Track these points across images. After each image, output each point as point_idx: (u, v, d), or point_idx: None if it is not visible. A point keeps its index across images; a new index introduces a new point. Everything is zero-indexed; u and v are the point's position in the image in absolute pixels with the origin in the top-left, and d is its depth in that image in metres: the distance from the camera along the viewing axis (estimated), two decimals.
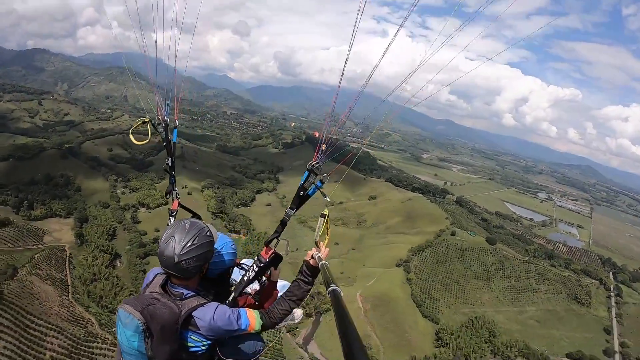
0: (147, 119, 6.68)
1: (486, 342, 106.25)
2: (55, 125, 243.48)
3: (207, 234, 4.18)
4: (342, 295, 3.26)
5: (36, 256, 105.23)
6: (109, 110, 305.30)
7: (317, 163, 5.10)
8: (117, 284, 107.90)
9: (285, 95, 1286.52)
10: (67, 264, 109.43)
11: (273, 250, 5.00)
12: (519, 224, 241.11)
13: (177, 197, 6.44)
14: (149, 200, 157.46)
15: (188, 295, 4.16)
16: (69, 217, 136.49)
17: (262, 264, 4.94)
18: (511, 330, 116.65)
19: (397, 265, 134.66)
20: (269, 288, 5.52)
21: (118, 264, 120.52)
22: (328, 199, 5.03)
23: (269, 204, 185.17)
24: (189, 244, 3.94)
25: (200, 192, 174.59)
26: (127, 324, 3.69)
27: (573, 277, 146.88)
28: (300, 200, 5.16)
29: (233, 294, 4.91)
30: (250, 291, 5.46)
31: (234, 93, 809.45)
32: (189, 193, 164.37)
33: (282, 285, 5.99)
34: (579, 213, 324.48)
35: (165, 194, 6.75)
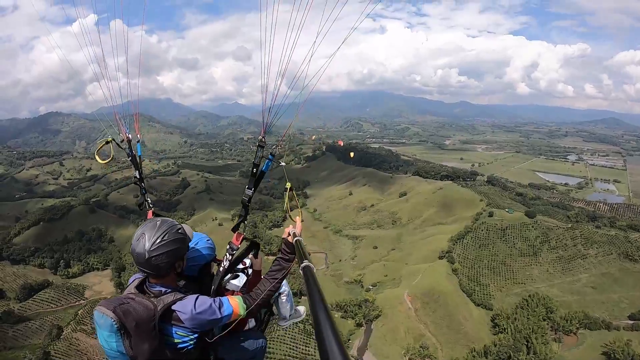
0: (109, 139, 6.95)
1: (544, 320, 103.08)
2: (80, 182, 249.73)
3: (179, 230, 4.23)
4: (314, 271, 3.34)
5: (79, 312, 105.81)
6: (129, 159, 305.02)
7: (263, 137, 5.21)
8: None
9: (294, 110, 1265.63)
10: None
11: (243, 235, 4.95)
12: (554, 191, 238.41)
13: (149, 206, 6.76)
14: None
15: (165, 292, 4.12)
16: (106, 269, 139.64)
17: (234, 252, 4.86)
18: (568, 301, 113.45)
19: (440, 258, 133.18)
20: (253, 280, 5.36)
21: None
22: (283, 164, 5.51)
23: (302, 220, 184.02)
24: (158, 240, 3.99)
25: (232, 220, 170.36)
26: (102, 324, 3.69)
27: (620, 234, 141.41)
28: (256, 178, 5.12)
29: (212, 286, 4.79)
30: (236, 286, 5.27)
31: (248, 118, 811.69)
32: (220, 224, 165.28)
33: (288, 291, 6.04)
34: (612, 168, 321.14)
35: (137, 205, 6.99)
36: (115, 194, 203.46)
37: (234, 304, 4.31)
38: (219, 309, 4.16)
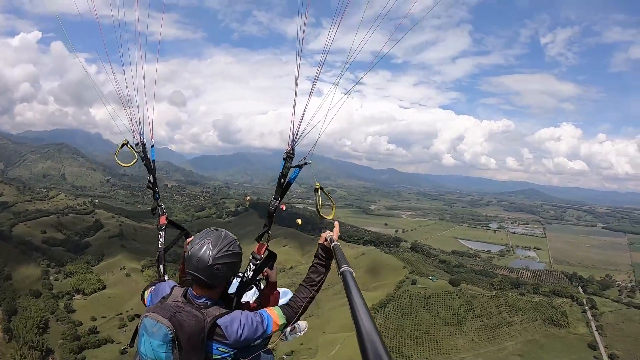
0: (125, 141, 6.66)
1: None
2: None
3: (239, 245, 4.12)
4: (353, 275, 3.21)
5: None
6: (44, 190, 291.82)
7: (292, 149, 5.03)
8: None
9: (227, 163, 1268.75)
10: None
11: (266, 245, 4.77)
12: (477, 258, 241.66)
13: (163, 212, 6.29)
14: (84, 286, 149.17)
15: (210, 304, 3.93)
16: None
17: (257, 261, 4.68)
18: None
19: None
20: (269, 290, 5.07)
21: None
22: (310, 162, 5.05)
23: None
24: (224, 249, 3.86)
25: (140, 272, 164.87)
26: (155, 332, 3.52)
27: (544, 300, 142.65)
28: (282, 189, 5.05)
29: (235, 297, 4.47)
30: (249, 298, 5.15)
31: (175, 165, 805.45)
32: (127, 275, 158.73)
33: (283, 292, 5.66)
34: (532, 235, 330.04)
35: (151, 210, 6.46)
36: (22, 227, 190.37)
37: (274, 316, 4.14)
38: (262, 323, 4.00)
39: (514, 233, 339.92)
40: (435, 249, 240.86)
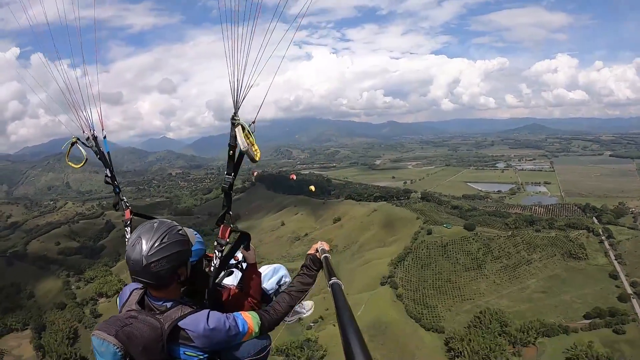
0: (74, 139, 6.38)
1: (500, 335, 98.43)
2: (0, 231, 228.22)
3: (180, 232, 3.69)
4: (342, 287, 3.29)
5: None
6: (51, 202, 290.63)
7: (235, 114, 4.27)
8: None
9: (227, 141, 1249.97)
10: None
11: (230, 227, 4.34)
12: (488, 199, 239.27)
13: (127, 206, 6.14)
14: (106, 288, 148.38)
15: (171, 307, 3.63)
16: (26, 329, 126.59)
17: (222, 247, 4.31)
18: (521, 311, 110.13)
19: (382, 284, 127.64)
20: (249, 273, 4.91)
21: None
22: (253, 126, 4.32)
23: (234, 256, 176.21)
24: (157, 244, 3.48)
25: None
26: (104, 352, 3.29)
27: (560, 235, 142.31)
28: (235, 162, 4.34)
29: (206, 290, 4.23)
30: (230, 284, 5.11)
31: (176, 152, 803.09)
32: None
33: (273, 270, 6.06)
34: (541, 170, 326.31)
35: (113, 206, 6.43)
36: (36, 243, 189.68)
37: (249, 321, 3.92)
38: (233, 326, 3.74)
39: (522, 170, 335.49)
40: (446, 196, 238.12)
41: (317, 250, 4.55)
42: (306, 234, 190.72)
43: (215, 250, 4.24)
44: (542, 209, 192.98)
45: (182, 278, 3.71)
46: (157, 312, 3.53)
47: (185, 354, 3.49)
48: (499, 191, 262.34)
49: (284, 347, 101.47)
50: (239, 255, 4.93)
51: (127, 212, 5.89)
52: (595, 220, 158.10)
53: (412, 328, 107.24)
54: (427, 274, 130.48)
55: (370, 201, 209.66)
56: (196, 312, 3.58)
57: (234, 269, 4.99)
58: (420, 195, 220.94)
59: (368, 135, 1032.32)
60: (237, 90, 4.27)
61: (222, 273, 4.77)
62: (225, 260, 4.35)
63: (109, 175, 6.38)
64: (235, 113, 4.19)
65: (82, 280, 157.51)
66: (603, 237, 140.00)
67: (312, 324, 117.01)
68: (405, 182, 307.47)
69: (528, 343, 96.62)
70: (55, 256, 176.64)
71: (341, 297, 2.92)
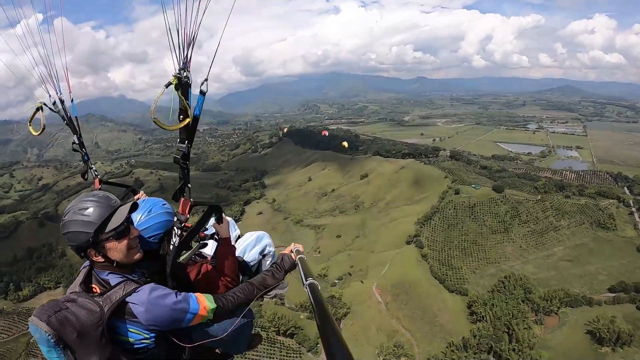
0: (40, 104, 5.78)
1: (523, 302, 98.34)
2: (32, 193, 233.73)
3: (95, 200, 3.53)
4: (319, 288, 3.36)
5: (31, 340, 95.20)
6: (81, 163, 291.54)
7: (183, 70, 3.49)
8: None
9: (254, 96, 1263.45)
10: None
11: (190, 201, 3.96)
12: (518, 161, 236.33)
13: (95, 175, 6.27)
14: None
15: (116, 283, 3.52)
16: (58, 287, 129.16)
17: (182, 223, 3.99)
18: (545, 278, 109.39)
19: (408, 243, 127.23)
20: (221, 248, 4.68)
21: None
22: (205, 84, 3.67)
23: (260, 212, 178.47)
24: (69, 213, 3.43)
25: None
26: (38, 339, 3.12)
27: (590, 202, 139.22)
28: (190, 126, 3.75)
29: (168, 268, 3.96)
30: (207, 254, 5.11)
31: (204, 109, 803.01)
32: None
33: (256, 238, 5.80)
34: (573, 134, 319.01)
35: (81, 175, 6.34)
36: (66, 203, 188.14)
37: (202, 302, 3.67)
38: (180, 305, 3.52)
39: (553, 133, 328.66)
40: (475, 155, 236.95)
41: (291, 251, 4.50)
42: (333, 190, 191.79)
43: (175, 228, 4.01)
44: (572, 175, 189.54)
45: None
46: (102, 290, 3.45)
47: (130, 331, 3.41)
48: (529, 153, 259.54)
49: (308, 304, 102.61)
50: (208, 232, 4.79)
51: (97, 182, 6.06)
52: (627, 191, 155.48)
53: (435, 289, 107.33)
54: (453, 234, 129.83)
55: (398, 158, 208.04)
56: (143, 286, 3.47)
57: (208, 241, 4.82)
58: (449, 154, 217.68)
59: (397, 90, 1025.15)
60: (185, 37, 3.46)
61: (186, 252, 4.49)
62: (188, 236, 4.09)
63: (77, 142, 6.25)
64: (183, 69, 3.49)
65: None
66: (634, 209, 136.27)
67: (336, 281, 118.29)
68: (434, 140, 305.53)
69: (550, 312, 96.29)
70: None
71: (318, 297, 3.03)
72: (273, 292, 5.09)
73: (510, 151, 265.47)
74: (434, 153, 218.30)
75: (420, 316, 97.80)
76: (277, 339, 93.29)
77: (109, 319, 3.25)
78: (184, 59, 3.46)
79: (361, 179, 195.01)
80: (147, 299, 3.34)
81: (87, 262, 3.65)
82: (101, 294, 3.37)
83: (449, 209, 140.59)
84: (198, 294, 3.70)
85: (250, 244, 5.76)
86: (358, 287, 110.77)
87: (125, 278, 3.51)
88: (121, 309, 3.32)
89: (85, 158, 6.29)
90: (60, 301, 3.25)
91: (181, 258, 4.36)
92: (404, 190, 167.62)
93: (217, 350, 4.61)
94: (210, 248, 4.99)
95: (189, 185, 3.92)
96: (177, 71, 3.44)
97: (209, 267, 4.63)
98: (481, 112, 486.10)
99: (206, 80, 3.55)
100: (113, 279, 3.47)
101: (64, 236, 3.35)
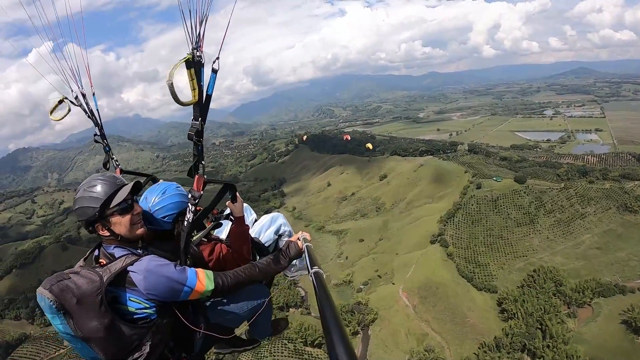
0: (62, 97, 6.24)
1: (555, 295, 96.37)
2: (54, 218, 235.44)
3: (103, 179, 3.82)
4: (324, 277, 3.40)
5: None
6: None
7: (197, 49, 3.45)
8: None
9: (267, 105, 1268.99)
10: None
11: (204, 178, 3.90)
12: (538, 149, 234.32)
13: (116, 165, 6.42)
14: None
15: (120, 255, 3.69)
16: None
17: (196, 200, 3.93)
18: (575, 268, 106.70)
19: (432, 242, 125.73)
20: (236, 228, 4.78)
21: None
22: (217, 63, 3.52)
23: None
24: (81, 189, 3.79)
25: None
26: (43, 307, 3.36)
27: (615, 186, 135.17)
28: (202, 104, 3.64)
29: (182, 245, 3.95)
30: (220, 236, 5.13)
31: (218, 122, 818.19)
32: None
33: (271, 219, 5.86)
34: (591, 117, 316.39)
35: (103, 165, 6.38)
36: None
37: (201, 278, 3.73)
38: (178, 276, 3.62)
39: (571, 117, 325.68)
40: (494, 146, 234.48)
41: (298, 239, 4.43)
42: (353, 194, 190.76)
43: (189, 204, 3.88)
44: (594, 159, 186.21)
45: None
46: (107, 262, 3.59)
47: (130, 299, 3.48)
48: (549, 140, 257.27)
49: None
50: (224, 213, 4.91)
51: (117, 171, 6.05)
52: None
53: (463, 288, 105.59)
54: (477, 230, 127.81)
55: (416, 156, 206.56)
56: (141, 257, 3.59)
57: (223, 221, 4.92)
58: (467, 148, 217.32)
59: (409, 88, 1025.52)
60: (198, 14, 3.42)
61: (204, 231, 4.62)
62: (203, 213, 4.19)
63: (98, 133, 6.48)
64: (196, 48, 3.40)
65: None
66: None
67: (362, 287, 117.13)
68: (450, 134, 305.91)
69: (583, 304, 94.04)
70: None
71: (323, 286, 3.07)
72: (297, 273, 5.65)
73: (529, 140, 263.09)
74: (452, 148, 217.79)
75: (449, 318, 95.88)
76: (305, 350, 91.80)
77: (111, 288, 3.40)
78: (196, 37, 3.48)
79: (380, 180, 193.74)
80: (145, 268, 3.46)
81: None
82: (103, 266, 3.54)
83: (472, 205, 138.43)
84: (199, 270, 3.74)
85: (265, 225, 5.80)
86: (384, 291, 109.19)
87: (129, 252, 3.65)
88: (122, 278, 3.45)
89: (107, 149, 6.45)
90: (64, 272, 3.46)
91: (195, 237, 4.50)
92: (425, 189, 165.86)
93: (244, 336, 4.73)
94: (224, 231, 5.11)
95: (203, 162, 3.91)
96: (190, 50, 3.45)
97: (224, 246, 4.74)
98: (496, 103, 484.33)
99: (217, 58, 3.53)
100: (118, 252, 3.65)
101: (75, 212, 3.71)
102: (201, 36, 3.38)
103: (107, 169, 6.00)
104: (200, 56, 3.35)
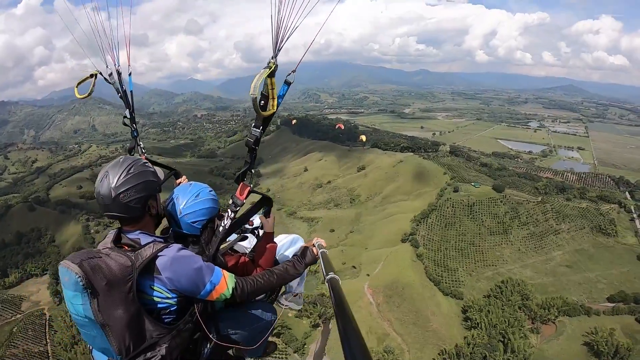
0: (96, 72, 6.03)
1: (520, 309, 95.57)
2: (25, 176, 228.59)
3: (145, 164, 3.76)
4: (340, 283, 3.34)
5: (14, 329, 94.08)
6: (76, 146, 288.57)
7: (273, 59, 3.56)
8: None
9: None
10: (46, 330, 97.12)
11: (250, 187, 4.01)
12: (519, 160, 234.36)
13: (142, 151, 6.33)
14: None
15: (146, 242, 3.58)
16: (45, 274, 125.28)
17: (237, 208, 4.05)
18: (543, 284, 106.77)
19: (403, 241, 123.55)
20: (263, 242, 4.77)
21: None
22: (292, 75, 3.62)
23: (253, 202, 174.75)
24: (123, 174, 3.52)
25: None
26: (67, 282, 3.15)
27: (591, 206, 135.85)
28: (267, 114, 3.69)
29: (210, 250, 4.01)
30: (244, 248, 5.08)
31: (204, 94, 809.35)
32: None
33: (291, 240, 5.64)
34: (575, 135, 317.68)
35: (128, 151, 6.24)
36: (58, 187, 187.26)
37: (224, 278, 3.66)
38: (204, 270, 3.54)
39: (555, 132, 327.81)
40: (476, 151, 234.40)
41: (314, 245, 4.32)
42: (329, 182, 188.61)
43: (229, 210, 3.93)
44: (574, 176, 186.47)
45: (154, 211, 3.74)
46: (131, 248, 3.46)
47: (154, 289, 3.37)
48: (530, 151, 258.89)
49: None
50: (256, 221, 4.76)
51: (143, 157, 5.73)
52: (628, 196, 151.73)
53: (430, 292, 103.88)
54: (450, 234, 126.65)
55: (397, 151, 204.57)
56: (170, 244, 3.52)
57: (248, 234, 4.75)
58: (449, 149, 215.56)
59: (399, 82, 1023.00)
60: (281, 29, 3.52)
61: (234, 237, 4.53)
62: (238, 222, 4.09)
63: (128, 116, 6.14)
64: (273, 56, 3.51)
65: (101, 224, 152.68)
66: (635, 215, 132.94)
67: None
68: (434, 134, 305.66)
69: (548, 320, 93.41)
70: (77, 200, 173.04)
71: (339, 292, 2.99)
72: (286, 303, 5.39)
73: (511, 149, 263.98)
74: (433, 147, 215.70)
75: (412, 320, 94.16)
76: None
77: (138, 277, 3.30)
78: (277, 48, 3.53)
79: (358, 172, 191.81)
80: (174, 255, 3.40)
81: (113, 232, 3.69)
82: (134, 249, 3.40)
83: (447, 207, 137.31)
84: (224, 271, 3.66)
85: (285, 245, 5.50)
86: (349, 286, 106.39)
87: (154, 239, 3.57)
88: (149, 267, 3.34)
89: (135, 134, 6.17)
90: (94, 250, 3.31)
91: (223, 246, 4.30)
92: (401, 185, 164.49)
93: (230, 352, 4.55)
94: (247, 243, 4.91)
95: (252, 170, 3.99)
96: (273, 58, 3.49)
97: (246, 259, 4.69)
98: (483, 108, 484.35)
99: (293, 71, 3.58)
100: (143, 239, 3.53)
101: (131, 190, 3.42)
102: (280, 47, 3.46)
103: (132, 155, 5.52)
104: (276, 65, 3.40)
